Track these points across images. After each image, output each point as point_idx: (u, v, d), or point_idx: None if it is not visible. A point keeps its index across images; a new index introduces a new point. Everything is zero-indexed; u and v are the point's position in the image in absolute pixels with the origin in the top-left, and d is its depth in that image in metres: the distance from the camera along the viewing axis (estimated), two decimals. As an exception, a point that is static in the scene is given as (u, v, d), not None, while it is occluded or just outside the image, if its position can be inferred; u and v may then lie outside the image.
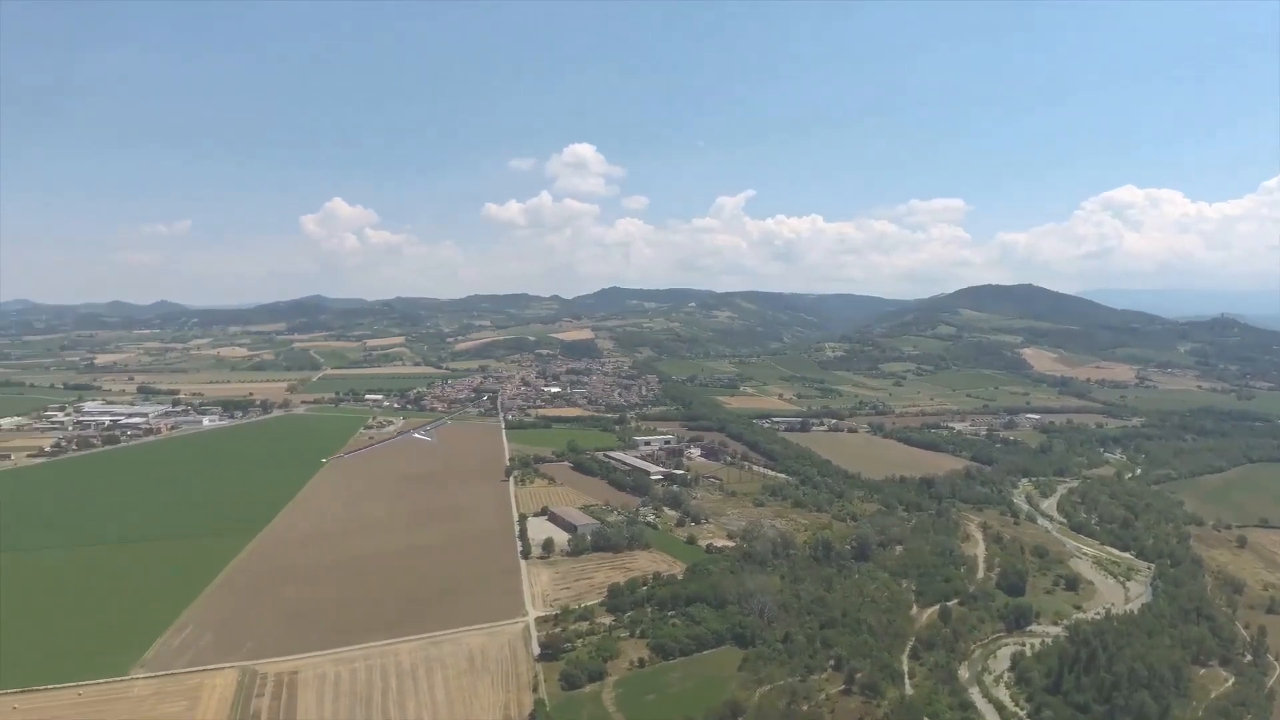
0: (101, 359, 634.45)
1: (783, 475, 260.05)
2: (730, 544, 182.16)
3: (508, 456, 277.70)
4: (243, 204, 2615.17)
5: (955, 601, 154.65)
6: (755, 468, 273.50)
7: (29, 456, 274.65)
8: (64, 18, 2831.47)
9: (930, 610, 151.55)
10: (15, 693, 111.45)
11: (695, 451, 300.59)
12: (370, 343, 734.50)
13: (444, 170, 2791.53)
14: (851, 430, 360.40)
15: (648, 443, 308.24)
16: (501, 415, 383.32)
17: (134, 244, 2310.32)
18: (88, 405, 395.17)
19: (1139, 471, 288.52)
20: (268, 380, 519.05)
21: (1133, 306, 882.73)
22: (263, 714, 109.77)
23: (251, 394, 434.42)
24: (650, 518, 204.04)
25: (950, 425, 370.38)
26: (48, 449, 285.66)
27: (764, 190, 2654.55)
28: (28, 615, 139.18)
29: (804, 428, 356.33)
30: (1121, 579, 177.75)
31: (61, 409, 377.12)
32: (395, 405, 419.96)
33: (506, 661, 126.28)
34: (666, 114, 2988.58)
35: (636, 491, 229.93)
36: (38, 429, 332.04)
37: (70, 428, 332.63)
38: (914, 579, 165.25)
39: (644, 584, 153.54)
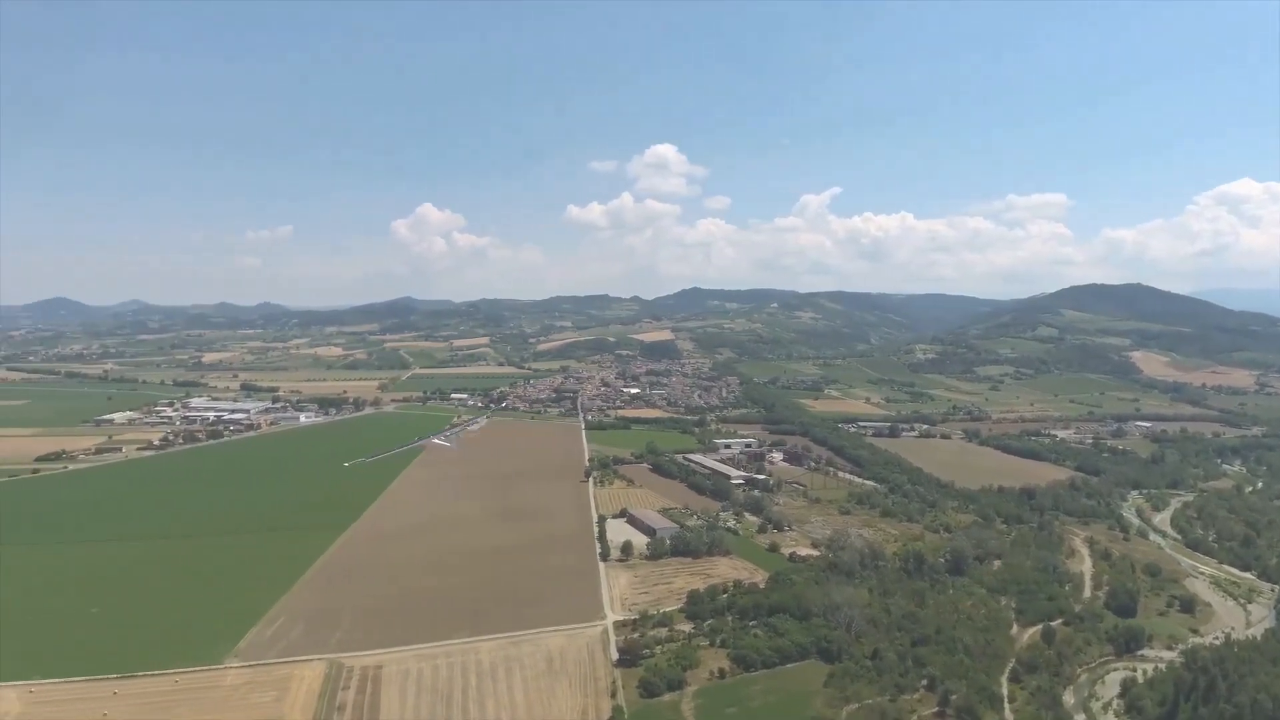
0: (208, 357, 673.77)
1: (870, 482, 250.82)
2: (815, 553, 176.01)
3: (587, 457, 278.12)
4: (339, 210, 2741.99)
5: (1059, 621, 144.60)
6: (841, 474, 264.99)
7: (139, 450, 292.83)
8: (191, 28, 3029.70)
9: (1032, 630, 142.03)
10: (116, 678, 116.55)
11: (777, 456, 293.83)
12: (457, 343, 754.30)
13: (527, 174, 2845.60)
14: (944, 436, 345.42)
15: (728, 446, 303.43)
16: (581, 416, 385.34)
17: (240, 248, 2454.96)
18: (194, 401, 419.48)
19: (1260, 485, 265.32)
20: (360, 379, 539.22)
21: (1250, 307, 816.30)
22: (348, 707, 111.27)
23: (345, 392, 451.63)
24: (731, 523, 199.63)
25: (1052, 433, 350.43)
26: (156, 442, 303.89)
27: (850, 187, 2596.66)
28: (132, 603, 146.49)
29: (893, 433, 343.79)
30: (1242, 601, 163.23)
31: (170, 405, 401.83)
32: (479, 404, 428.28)
33: (585, 665, 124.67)
34: (749, 112, 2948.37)
35: (716, 496, 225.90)
36: (148, 423, 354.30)
37: (178, 423, 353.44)
38: (1014, 596, 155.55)
39: (724, 591, 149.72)
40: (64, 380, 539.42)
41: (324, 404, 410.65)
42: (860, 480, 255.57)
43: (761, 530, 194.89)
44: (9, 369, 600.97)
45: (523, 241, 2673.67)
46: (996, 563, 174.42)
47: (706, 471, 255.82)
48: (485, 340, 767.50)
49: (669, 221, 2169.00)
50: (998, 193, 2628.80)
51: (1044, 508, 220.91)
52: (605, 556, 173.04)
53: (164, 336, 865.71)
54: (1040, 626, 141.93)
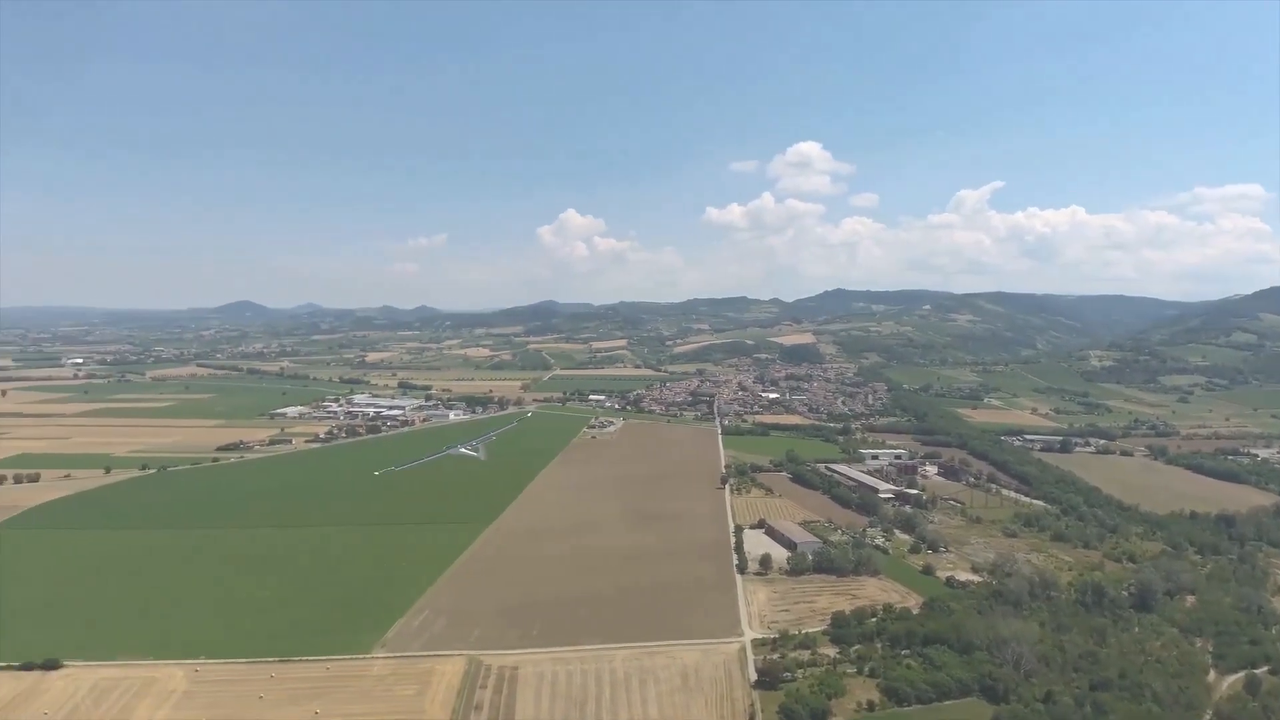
0: (371, 357, 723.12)
1: (1039, 502, 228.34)
2: (976, 578, 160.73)
3: (724, 463, 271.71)
4: (490, 218, 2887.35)
5: (1265, 669, 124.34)
6: (1004, 491, 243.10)
7: (306, 442, 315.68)
8: (355, 47, 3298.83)
9: (1232, 678, 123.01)
10: (274, 661, 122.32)
11: (931, 469, 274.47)
12: (595, 345, 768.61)
13: (667, 178, 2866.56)
14: (1125, 453, 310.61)
15: (875, 456, 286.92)
16: (718, 420, 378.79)
17: (400, 256, 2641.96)
18: (357, 398, 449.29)
19: None
20: (505, 379, 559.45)
21: None
22: (485, 707, 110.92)
23: (491, 391, 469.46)
24: (879, 540, 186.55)
25: (1253, 451, 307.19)
26: (322, 435, 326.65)
27: (1013, 181, 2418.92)
28: (293, 588, 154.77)
29: (1064, 448, 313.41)
30: None
31: (336, 400, 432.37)
32: (616, 406, 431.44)
33: (721, 684, 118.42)
34: (899, 104, 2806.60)
35: (863, 510, 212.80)
36: (316, 417, 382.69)
37: (342, 417, 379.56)
38: (1211, 638, 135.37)
39: (873, 615, 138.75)
40: (246, 376, 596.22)
41: (471, 402, 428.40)
42: (1027, 499, 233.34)
43: (914, 550, 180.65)
44: (199, 365, 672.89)
45: (661, 245, 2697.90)
46: (1190, 599, 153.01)
47: (851, 483, 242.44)
48: (623, 342, 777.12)
49: (811, 221, 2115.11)
50: (1183, 184, 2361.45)
51: (1245, 538, 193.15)
52: (743, 569, 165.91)
53: (333, 337, 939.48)
54: (1242, 674, 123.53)
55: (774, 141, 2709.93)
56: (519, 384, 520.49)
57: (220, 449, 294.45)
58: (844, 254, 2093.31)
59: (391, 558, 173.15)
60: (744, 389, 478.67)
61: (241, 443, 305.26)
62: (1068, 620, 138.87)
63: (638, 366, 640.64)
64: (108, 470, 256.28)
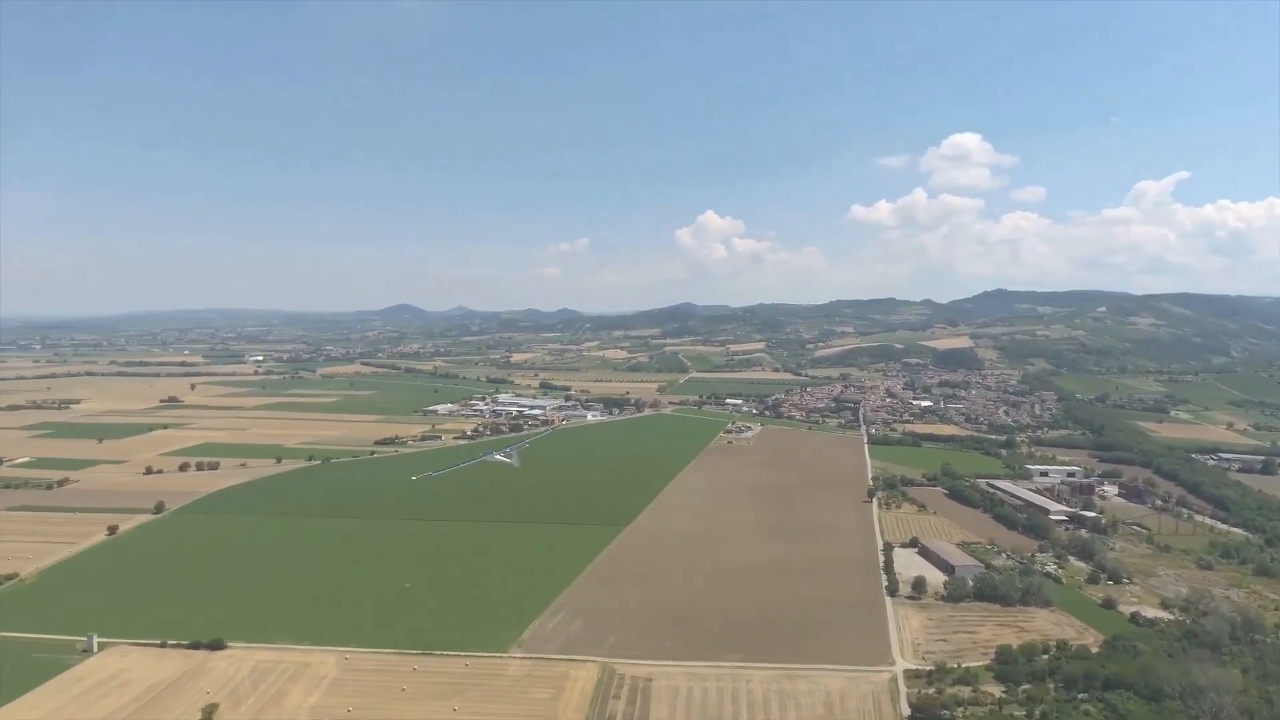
0: (516, 357, 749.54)
1: (1238, 531, 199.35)
2: (1166, 616, 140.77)
3: (871, 475, 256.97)
4: (629, 222, 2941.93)
5: None
6: (1197, 517, 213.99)
7: (454, 439, 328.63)
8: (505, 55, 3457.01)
9: None
10: (417, 654, 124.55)
11: (1110, 490, 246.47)
12: (733, 347, 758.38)
13: (809, 175, 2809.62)
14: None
15: (1044, 474, 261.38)
16: (864, 428, 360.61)
17: (545, 260, 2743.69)
18: (501, 397, 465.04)
19: None
20: (642, 381, 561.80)
21: None
22: (618, 718, 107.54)
23: (628, 393, 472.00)
24: (1050, 568, 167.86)
25: None
26: (468, 433, 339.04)
27: (1201, 171, 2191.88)
28: (436, 581, 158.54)
29: (1266, 469, 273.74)
30: None
31: (482, 399, 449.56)
32: (753, 410, 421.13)
33: (869, 716, 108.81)
34: (1070, 90, 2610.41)
35: (1030, 533, 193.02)
36: (463, 415, 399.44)
37: (487, 415, 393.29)
38: None
39: (1044, 651, 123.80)
40: (403, 375, 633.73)
41: (608, 403, 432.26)
42: (1224, 527, 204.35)
43: (1092, 580, 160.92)
44: (363, 363, 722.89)
45: (802, 244, 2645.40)
46: None
47: (1017, 502, 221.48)
48: (761, 345, 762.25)
49: (969, 217, 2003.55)
50: None
51: None
52: (893, 591, 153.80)
53: (482, 338, 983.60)
54: None
55: (927, 133, 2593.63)
56: (655, 386, 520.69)
57: (378, 443, 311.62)
58: (1005, 252, 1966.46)
59: (529, 556, 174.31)
60: (892, 396, 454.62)
61: (397, 438, 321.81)
62: (1275, 668, 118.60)
63: (776, 370, 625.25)
64: (279, 460, 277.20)
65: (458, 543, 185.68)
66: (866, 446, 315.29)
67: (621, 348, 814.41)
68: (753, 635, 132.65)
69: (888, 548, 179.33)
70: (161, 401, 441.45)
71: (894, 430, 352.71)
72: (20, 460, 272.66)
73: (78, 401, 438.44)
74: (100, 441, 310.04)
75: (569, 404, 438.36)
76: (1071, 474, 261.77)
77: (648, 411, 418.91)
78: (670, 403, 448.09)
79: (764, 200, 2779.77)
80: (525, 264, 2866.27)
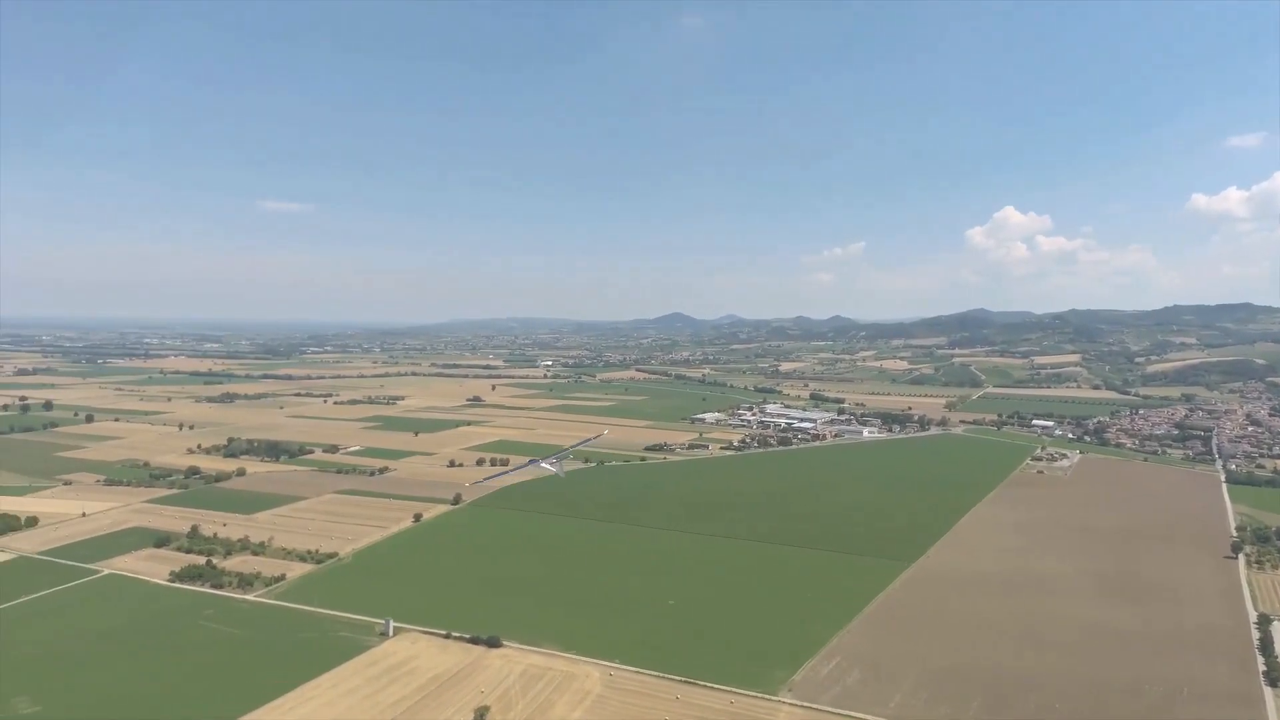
0: (784, 366, 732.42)
1: None
2: None
3: (1234, 524, 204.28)
4: (911, 222, 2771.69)
5: None
6: None
7: (720, 449, 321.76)
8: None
9: None
10: (680, 681, 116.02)
11: None
12: (1038, 360, 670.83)
13: (1135, 161, 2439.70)
14: None
15: None
16: (1219, 462, 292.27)
17: (816, 266, 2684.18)
18: (769, 407, 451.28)
19: None
20: (926, 395, 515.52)
21: None
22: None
23: (910, 408, 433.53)
24: None
25: None
26: (735, 444, 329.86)
27: None
28: (700, 601, 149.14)
29: None
30: None
31: (749, 409, 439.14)
32: (1069, 435, 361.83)
33: None
34: None
35: None
36: (730, 424, 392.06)
37: (754, 426, 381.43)
38: None
39: None
40: (673, 381, 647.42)
41: (887, 419, 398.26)
42: None
43: None
44: (637, 370, 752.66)
45: (1125, 241, 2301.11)
46: None
47: None
48: (1075, 358, 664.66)
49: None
50: None
51: None
52: (1275, 680, 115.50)
53: (750, 346, 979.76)
54: None
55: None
56: (942, 401, 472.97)
57: (648, 448, 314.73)
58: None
59: (801, 585, 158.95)
60: (1255, 423, 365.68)
61: (665, 444, 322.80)
62: None
63: (1095, 387, 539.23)
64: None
65: (724, 560, 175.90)
66: (1224, 486, 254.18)
67: (901, 358, 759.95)
68: (1078, 716, 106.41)
69: (1264, 621, 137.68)
70: (467, 400, 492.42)
71: (1261, 467, 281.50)
72: (353, 449, 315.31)
73: (402, 398, 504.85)
74: (416, 435, 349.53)
75: (842, 418, 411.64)
76: None
77: (934, 430, 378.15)
78: (961, 421, 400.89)
79: (1076, 192, 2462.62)
80: (796, 270, 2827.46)
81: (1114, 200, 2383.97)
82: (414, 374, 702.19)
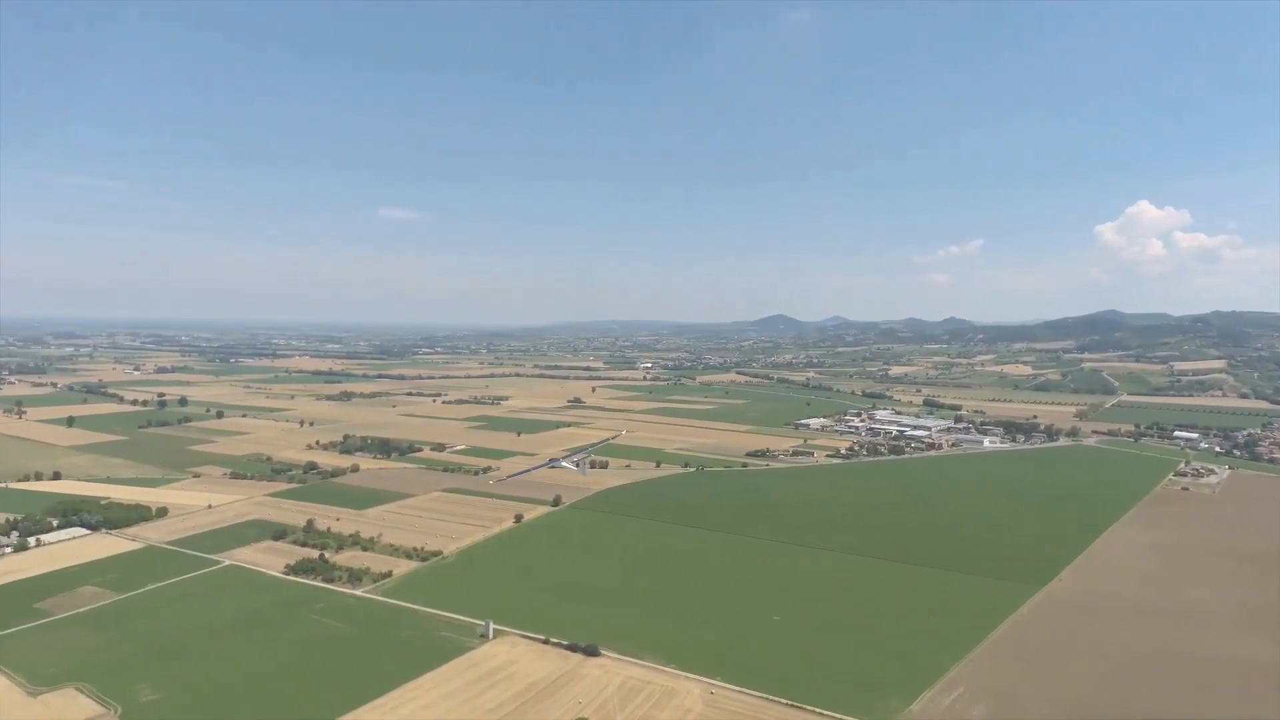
0: (894, 370, 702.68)
1: None
2: None
3: None
4: (1033, 219, 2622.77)
5: None
6: None
7: (827, 456, 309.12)
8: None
9: None
10: (786, 704, 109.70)
11: None
12: (1178, 366, 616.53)
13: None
14: None
15: None
16: None
17: (929, 266, 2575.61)
18: (879, 413, 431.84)
19: None
20: (1053, 403, 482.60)
21: None
22: None
23: (1035, 417, 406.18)
24: None
25: None
26: (843, 451, 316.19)
27: None
28: (807, 618, 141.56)
29: None
30: None
31: (858, 415, 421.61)
32: (1216, 449, 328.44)
33: None
34: None
35: None
36: (837, 431, 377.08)
37: (863, 433, 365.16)
38: None
39: None
40: (775, 385, 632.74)
41: (1010, 428, 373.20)
42: None
43: None
44: (738, 372, 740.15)
45: (1274, 238, 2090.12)
46: None
47: None
48: (1219, 364, 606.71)
49: None
50: None
51: None
52: None
53: (857, 349, 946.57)
54: None
55: None
56: (1071, 410, 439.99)
57: (750, 454, 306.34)
58: None
59: (916, 605, 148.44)
60: None
61: (768, 450, 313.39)
62: None
63: (1243, 396, 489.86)
64: (658, 464, 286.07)
65: (832, 575, 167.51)
66: None
67: (1024, 362, 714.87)
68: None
69: None
70: (568, 401, 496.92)
71: None
72: (459, 448, 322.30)
73: (506, 398, 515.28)
74: (518, 435, 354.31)
75: (960, 426, 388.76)
76: None
77: (1063, 441, 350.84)
78: (1094, 431, 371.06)
79: (1218, 185, 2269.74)
80: (907, 270, 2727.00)
81: (1261, 194, 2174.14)
82: (517, 375, 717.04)
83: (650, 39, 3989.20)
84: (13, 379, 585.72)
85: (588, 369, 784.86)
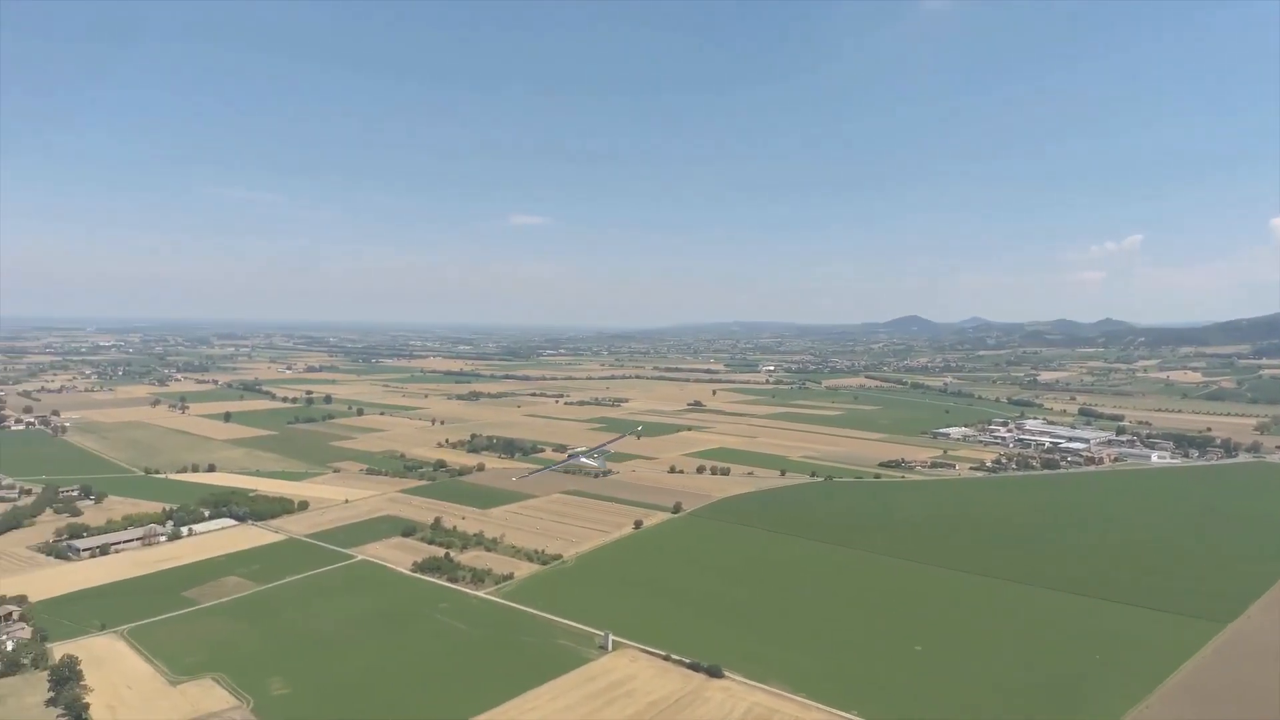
0: (1044, 376, 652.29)
1: None
2: None
3: None
4: (1202, 209, 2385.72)
5: None
6: None
7: (970, 468, 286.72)
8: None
9: None
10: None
11: None
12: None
13: None
14: None
15: None
16: None
17: (1081, 264, 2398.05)
18: (1028, 423, 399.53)
19: None
20: (1229, 414, 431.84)
21: None
22: None
23: (1209, 429, 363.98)
24: None
25: None
26: (988, 464, 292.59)
27: None
28: (947, 651, 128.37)
29: None
30: None
31: (1004, 424, 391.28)
32: None
33: None
34: None
35: None
36: (980, 441, 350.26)
37: (1011, 444, 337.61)
38: None
39: None
40: (909, 390, 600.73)
41: (1181, 442, 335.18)
42: None
43: None
44: (867, 376, 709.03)
45: None
46: None
47: None
48: None
49: None
50: None
51: None
52: None
53: (1000, 353, 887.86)
54: None
55: None
56: (1251, 423, 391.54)
57: (882, 464, 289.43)
58: None
59: (1080, 641, 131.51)
60: None
61: (903, 460, 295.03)
62: None
63: None
64: (783, 473, 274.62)
65: (978, 602, 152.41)
66: None
67: (1194, 369, 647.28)
68: None
69: None
70: (688, 404, 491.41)
71: None
72: (579, 449, 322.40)
73: (626, 400, 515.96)
74: (639, 438, 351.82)
75: (1122, 438, 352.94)
76: None
77: (1244, 457, 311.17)
78: (1278, 447, 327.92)
79: None
80: (1055, 268, 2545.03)
81: None
82: (638, 377, 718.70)
83: (779, 41, 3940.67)
84: (180, 376, 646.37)
85: (708, 371, 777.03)
